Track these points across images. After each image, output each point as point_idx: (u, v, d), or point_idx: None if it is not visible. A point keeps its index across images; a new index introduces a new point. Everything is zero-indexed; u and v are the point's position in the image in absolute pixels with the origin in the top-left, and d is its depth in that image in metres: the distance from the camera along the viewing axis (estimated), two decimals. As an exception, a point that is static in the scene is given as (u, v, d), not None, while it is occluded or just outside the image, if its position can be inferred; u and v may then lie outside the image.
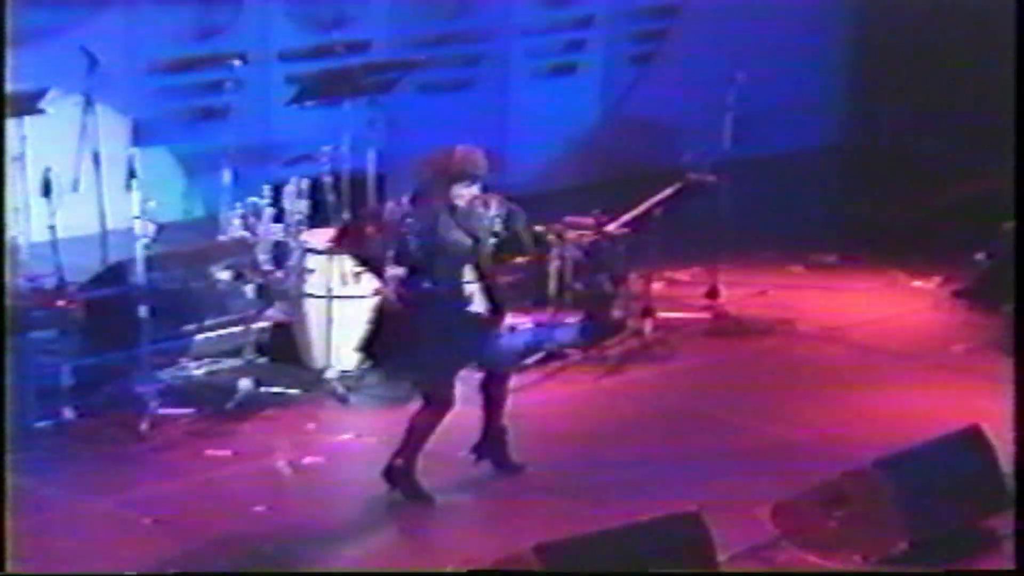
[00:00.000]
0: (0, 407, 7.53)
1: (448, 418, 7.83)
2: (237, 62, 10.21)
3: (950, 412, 8.40)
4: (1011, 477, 7.76)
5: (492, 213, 7.82)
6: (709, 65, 11.64)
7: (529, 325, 9.52)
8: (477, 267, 7.80)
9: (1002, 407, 8.62)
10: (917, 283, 10.81)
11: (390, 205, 7.81)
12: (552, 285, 9.66)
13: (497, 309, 7.92)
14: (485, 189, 7.82)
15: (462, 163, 7.70)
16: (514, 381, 9.15)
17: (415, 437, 7.87)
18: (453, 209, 7.72)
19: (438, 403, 7.84)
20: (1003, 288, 10.37)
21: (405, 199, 7.75)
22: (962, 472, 7.61)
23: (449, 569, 6.97)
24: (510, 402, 8.77)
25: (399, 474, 7.89)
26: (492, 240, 7.83)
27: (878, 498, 7.34)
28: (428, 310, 7.71)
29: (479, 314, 7.85)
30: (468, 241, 7.74)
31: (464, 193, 7.71)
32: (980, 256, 10.49)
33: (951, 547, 7.39)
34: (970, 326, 10.15)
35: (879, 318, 10.29)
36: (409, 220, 7.67)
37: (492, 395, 8.05)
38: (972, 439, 7.74)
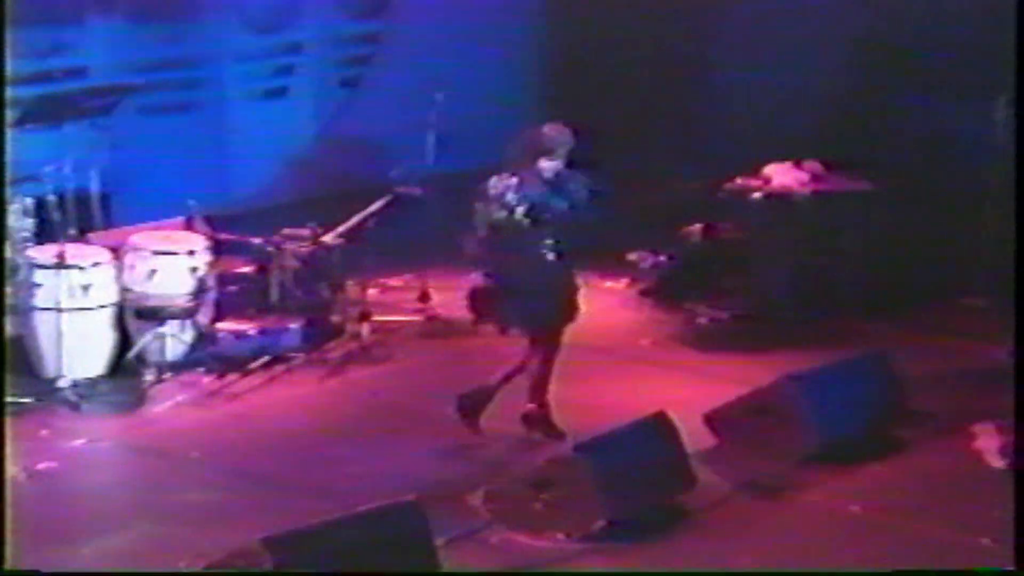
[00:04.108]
0: (0, 405, 7.17)
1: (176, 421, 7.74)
2: (-47, 88, 9.89)
3: (640, 400, 8.59)
4: (694, 458, 8.08)
5: (583, 186, 8.23)
6: (412, 87, 11.74)
7: (254, 331, 9.49)
8: (569, 231, 8.21)
9: (685, 395, 8.96)
10: (608, 283, 11.07)
11: (494, 179, 8.20)
12: (274, 293, 9.64)
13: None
14: (571, 165, 8.19)
15: (546, 139, 8.15)
16: (240, 385, 9.19)
17: (539, 383, 8.30)
18: (546, 180, 8.11)
19: (547, 347, 8.28)
20: (683, 287, 10.77)
21: (507, 173, 8.16)
22: (652, 454, 7.83)
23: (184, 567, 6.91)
24: (237, 404, 8.78)
25: (536, 419, 8.36)
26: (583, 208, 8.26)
27: (579, 480, 7.51)
28: (532, 268, 8.13)
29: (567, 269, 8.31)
30: (565, 206, 8.12)
31: (547, 166, 8.09)
32: (663, 258, 10.80)
33: (645, 523, 7.62)
34: (655, 322, 10.44)
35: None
36: (512, 189, 8.10)
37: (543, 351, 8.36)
38: (659, 424, 7.96)
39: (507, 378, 8.44)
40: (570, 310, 8.45)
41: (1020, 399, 7.57)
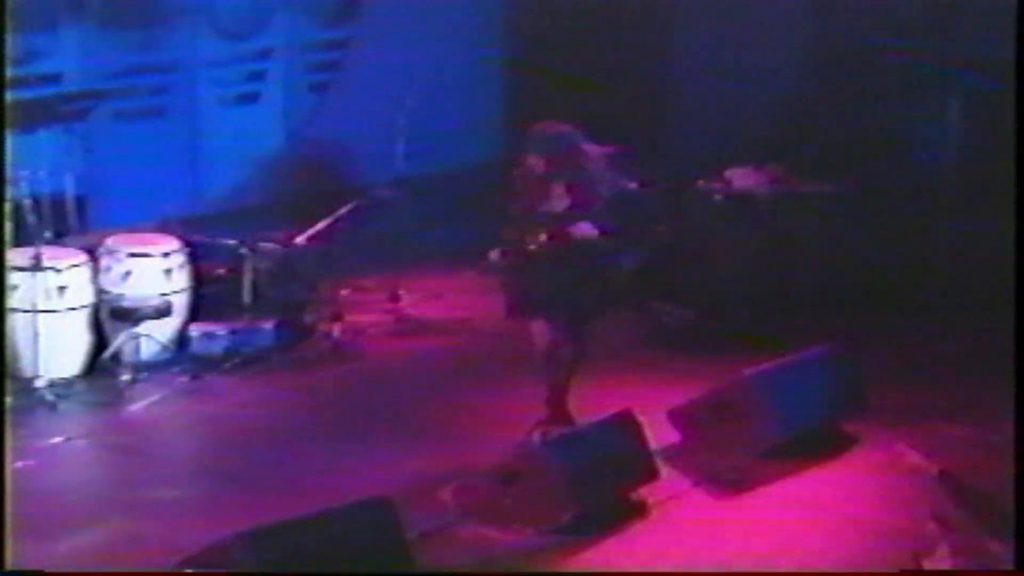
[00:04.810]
0: (0, 405, 7.29)
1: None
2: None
3: (605, 397, 8.62)
4: (658, 454, 8.13)
5: (603, 180, 8.27)
6: (381, 92, 11.75)
7: (228, 332, 9.49)
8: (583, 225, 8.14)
9: (649, 392, 8.99)
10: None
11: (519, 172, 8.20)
12: (247, 294, 9.64)
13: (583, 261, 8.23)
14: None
15: (532, 137, 8.14)
16: (214, 384, 9.19)
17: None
18: (538, 175, 8.10)
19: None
20: (647, 286, 10.82)
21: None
22: (617, 450, 7.88)
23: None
24: (211, 404, 8.76)
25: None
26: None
27: (547, 476, 7.55)
28: (537, 261, 8.10)
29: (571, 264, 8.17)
30: (566, 204, 8.09)
31: (531, 163, 8.07)
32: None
33: (608, 516, 7.66)
34: (618, 321, 10.45)
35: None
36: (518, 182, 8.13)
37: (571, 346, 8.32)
38: (624, 421, 8.01)
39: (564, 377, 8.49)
40: (574, 305, 8.40)
41: (1020, 398, 7.25)
